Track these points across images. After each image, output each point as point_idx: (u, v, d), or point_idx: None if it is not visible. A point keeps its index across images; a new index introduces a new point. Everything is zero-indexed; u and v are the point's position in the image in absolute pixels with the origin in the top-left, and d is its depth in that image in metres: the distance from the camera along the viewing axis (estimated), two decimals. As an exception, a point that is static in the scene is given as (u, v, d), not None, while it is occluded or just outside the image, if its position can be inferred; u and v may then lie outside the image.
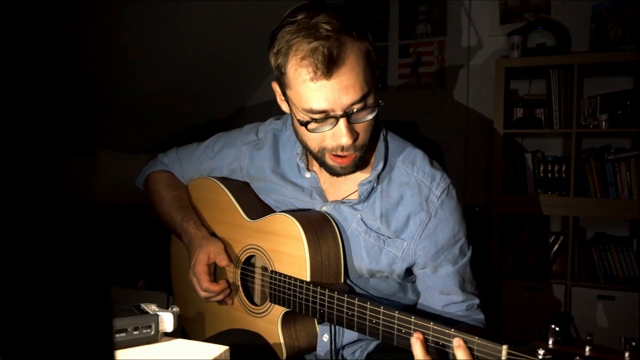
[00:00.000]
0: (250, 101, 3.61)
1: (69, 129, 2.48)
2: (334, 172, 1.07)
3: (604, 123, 2.54)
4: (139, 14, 2.22)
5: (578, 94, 2.59)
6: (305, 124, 0.98)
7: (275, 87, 1.07)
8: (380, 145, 1.12)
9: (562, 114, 2.61)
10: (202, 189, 1.35)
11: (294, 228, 1.07)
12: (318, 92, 0.94)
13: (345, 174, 1.08)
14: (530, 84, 2.87)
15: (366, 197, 1.10)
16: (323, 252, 1.07)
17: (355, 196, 1.12)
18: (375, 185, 1.10)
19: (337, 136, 0.98)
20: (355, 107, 0.95)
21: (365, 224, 1.10)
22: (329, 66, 0.91)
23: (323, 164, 1.07)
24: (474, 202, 2.73)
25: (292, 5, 1.05)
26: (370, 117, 0.99)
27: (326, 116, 0.96)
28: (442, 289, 1.08)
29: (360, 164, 1.07)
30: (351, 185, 1.13)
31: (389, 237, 1.09)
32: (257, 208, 1.23)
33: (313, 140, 1.02)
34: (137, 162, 2.65)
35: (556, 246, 2.70)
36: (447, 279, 1.08)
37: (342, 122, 0.96)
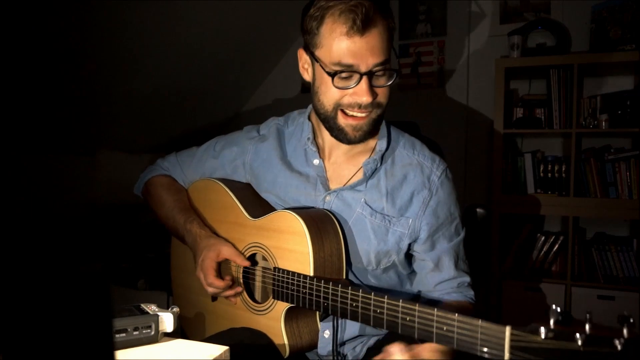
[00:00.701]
0: (250, 102, 3.61)
1: (69, 129, 2.48)
2: (344, 136, 1.11)
3: (604, 123, 2.54)
4: (139, 15, 2.22)
5: (578, 94, 2.59)
6: (332, 75, 1.05)
7: (302, 54, 1.14)
8: (383, 129, 1.19)
9: (562, 114, 2.61)
10: (203, 190, 1.35)
11: (297, 224, 1.08)
12: (349, 47, 1.02)
13: (355, 139, 1.12)
14: (530, 84, 2.87)
15: (370, 175, 1.16)
16: (326, 248, 1.09)
17: (359, 175, 1.17)
18: (378, 164, 1.16)
19: (357, 94, 1.06)
20: (377, 69, 1.04)
21: (370, 207, 1.15)
22: (364, 22, 1.00)
23: (334, 128, 1.12)
24: (474, 202, 2.72)
25: (289, 10, 1.07)
26: (389, 82, 1.08)
27: (351, 71, 1.04)
28: (436, 263, 1.16)
29: (372, 129, 1.12)
30: (354, 168, 1.18)
31: (393, 217, 1.14)
32: (258, 207, 1.24)
33: (331, 96, 1.08)
34: (137, 162, 2.65)
35: (556, 246, 2.70)
36: (443, 254, 1.16)
37: (364, 80, 1.04)
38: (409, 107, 3.08)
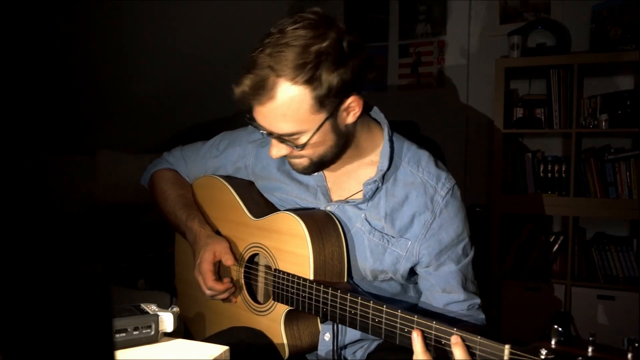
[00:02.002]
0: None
1: (69, 129, 2.48)
2: (294, 168, 1.12)
3: (604, 123, 2.54)
4: (139, 15, 2.21)
5: (578, 94, 2.59)
6: (247, 122, 1.05)
7: None
8: (386, 145, 1.12)
9: (562, 114, 2.61)
10: (207, 187, 1.35)
11: (298, 227, 1.07)
12: (256, 111, 1.00)
13: (304, 173, 1.12)
14: (530, 84, 2.87)
15: (370, 196, 1.11)
16: (327, 251, 1.08)
17: (359, 195, 1.13)
18: (380, 185, 1.11)
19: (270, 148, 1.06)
20: (284, 137, 1.01)
21: (370, 224, 1.11)
22: (257, 93, 0.95)
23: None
24: (474, 202, 2.73)
25: (290, 10, 1.05)
26: (294, 153, 1.04)
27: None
28: (444, 287, 1.10)
29: (320, 166, 1.10)
30: (355, 184, 1.14)
31: (392, 237, 1.10)
32: (261, 206, 1.24)
33: None
34: (137, 162, 2.65)
35: (556, 246, 2.70)
36: (450, 277, 1.09)
37: (272, 140, 1.03)
38: (409, 107, 3.08)
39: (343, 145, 1.07)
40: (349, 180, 1.15)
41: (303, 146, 1.01)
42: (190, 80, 2.86)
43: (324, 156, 1.06)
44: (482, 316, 1.12)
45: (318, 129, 1.00)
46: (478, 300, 1.12)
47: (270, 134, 1.02)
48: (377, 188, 1.11)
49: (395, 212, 1.10)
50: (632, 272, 2.55)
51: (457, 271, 1.10)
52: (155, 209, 1.40)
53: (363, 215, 1.12)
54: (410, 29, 3.17)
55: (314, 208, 1.17)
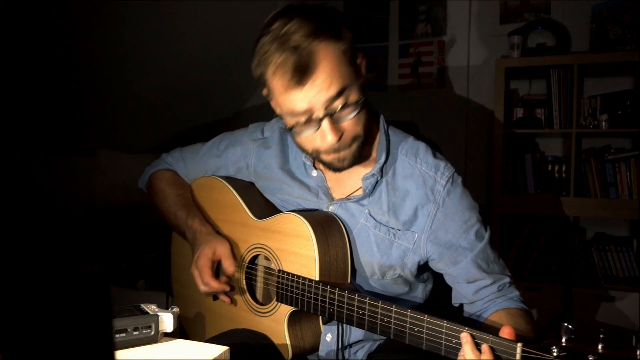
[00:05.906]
0: (250, 102, 3.61)
1: (69, 129, 2.48)
2: (333, 168, 1.09)
3: (604, 123, 2.54)
4: (139, 15, 2.22)
5: (578, 94, 2.59)
6: (290, 129, 1.02)
7: (265, 92, 1.07)
8: (382, 138, 1.12)
9: (562, 114, 2.61)
10: (207, 188, 1.35)
11: (304, 227, 1.07)
12: (294, 99, 0.97)
13: (344, 168, 1.08)
14: (530, 84, 2.87)
15: (371, 190, 1.10)
16: (332, 252, 1.07)
17: (360, 191, 1.12)
18: (379, 178, 1.10)
19: (323, 137, 1.00)
20: (337, 105, 0.97)
21: (374, 219, 1.10)
22: (299, 76, 0.94)
23: (322, 162, 1.09)
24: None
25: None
26: (352, 115, 1.00)
27: (309, 117, 0.98)
28: (467, 278, 1.06)
29: (358, 156, 1.07)
30: (356, 180, 1.13)
31: (399, 230, 1.09)
32: (263, 207, 1.23)
33: (306, 142, 1.05)
34: (137, 162, 2.64)
35: (556, 246, 2.70)
36: (469, 267, 1.06)
37: (325, 122, 0.98)
38: (409, 107, 3.08)
39: (365, 124, 1.05)
40: (350, 178, 1.14)
41: (357, 103, 0.99)
42: (190, 80, 2.86)
43: (360, 135, 1.03)
44: (516, 292, 1.08)
45: (359, 82, 1.00)
46: (507, 279, 1.08)
47: (324, 117, 0.97)
48: (377, 182, 1.10)
49: (398, 206, 1.09)
50: (632, 272, 2.55)
51: (474, 258, 1.06)
52: (155, 209, 1.40)
53: (367, 210, 1.11)
54: (410, 29, 3.17)
55: (317, 209, 1.16)
